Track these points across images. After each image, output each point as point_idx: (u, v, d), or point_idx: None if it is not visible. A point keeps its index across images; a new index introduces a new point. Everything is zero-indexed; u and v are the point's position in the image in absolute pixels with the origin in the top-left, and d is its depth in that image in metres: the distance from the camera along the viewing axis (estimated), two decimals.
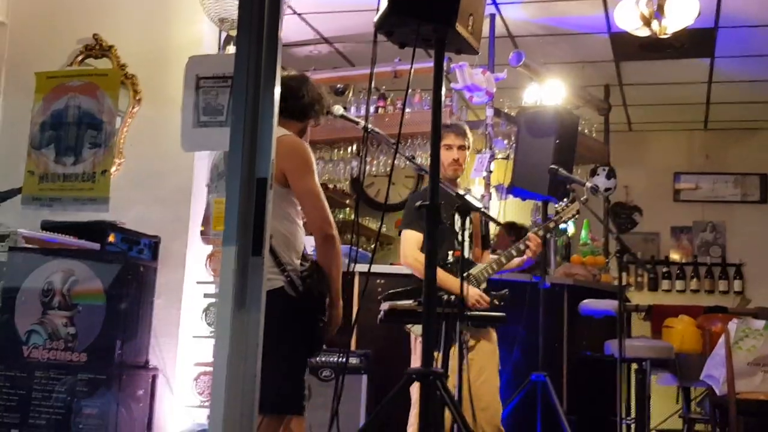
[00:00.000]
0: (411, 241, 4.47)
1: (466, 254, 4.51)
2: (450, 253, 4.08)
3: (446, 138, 4.55)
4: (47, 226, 4.69)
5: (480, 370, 4.44)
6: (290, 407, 3.53)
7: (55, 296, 4.23)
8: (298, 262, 3.58)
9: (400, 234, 4.58)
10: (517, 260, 4.64)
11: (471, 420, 3.84)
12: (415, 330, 4.40)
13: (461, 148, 4.62)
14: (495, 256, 4.65)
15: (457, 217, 4.45)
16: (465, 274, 4.39)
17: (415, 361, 4.44)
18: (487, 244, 4.83)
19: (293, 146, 3.54)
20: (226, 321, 2.02)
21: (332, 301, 3.61)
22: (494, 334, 4.61)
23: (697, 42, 7.31)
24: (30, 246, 4.45)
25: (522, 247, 4.59)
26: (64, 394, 4.11)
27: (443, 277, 4.21)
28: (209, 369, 5.05)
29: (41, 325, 4.21)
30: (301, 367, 3.57)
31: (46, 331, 4.20)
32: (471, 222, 4.55)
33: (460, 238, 4.47)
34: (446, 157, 4.53)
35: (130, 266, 4.57)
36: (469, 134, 4.72)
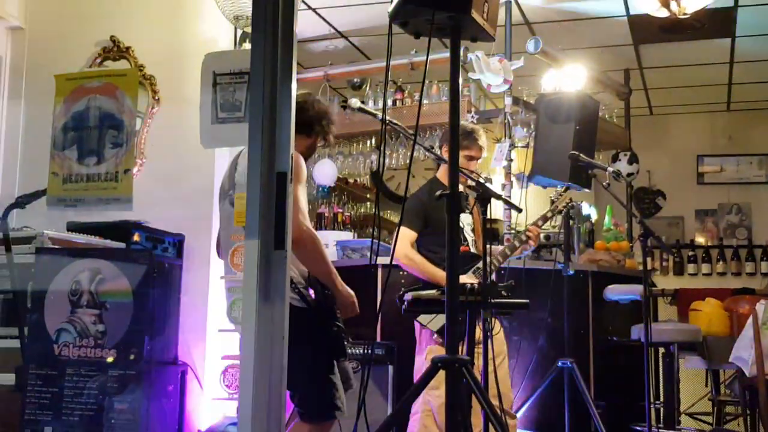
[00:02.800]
0: (404, 239, 4.55)
1: (472, 248, 4.57)
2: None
3: (471, 149, 4.61)
4: (73, 227, 4.75)
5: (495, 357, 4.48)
6: (321, 416, 3.58)
7: (83, 295, 4.25)
8: (303, 274, 3.59)
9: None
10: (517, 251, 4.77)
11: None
12: (422, 319, 4.44)
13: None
14: (500, 248, 4.73)
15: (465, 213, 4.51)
16: (474, 268, 4.46)
17: (420, 352, 4.52)
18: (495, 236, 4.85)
19: None
20: (252, 313, 2.04)
21: (334, 291, 3.61)
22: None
23: (716, 22, 7.24)
24: (56, 247, 4.50)
25: (524, 238, 4.69)
26: (96, 390, 4.14)
27: (432, 271, 4.39)
28: (236, 362, 5.08)
29: (70, 323, 4.24)
30: (325, 374, 3.58)
31: (76, 329, 4.23)
32: (472, 216, 4.61)
33: (465, 233, 4.54)
34: (466, 166, 4.50)
35: (155, 264, 4.60)
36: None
